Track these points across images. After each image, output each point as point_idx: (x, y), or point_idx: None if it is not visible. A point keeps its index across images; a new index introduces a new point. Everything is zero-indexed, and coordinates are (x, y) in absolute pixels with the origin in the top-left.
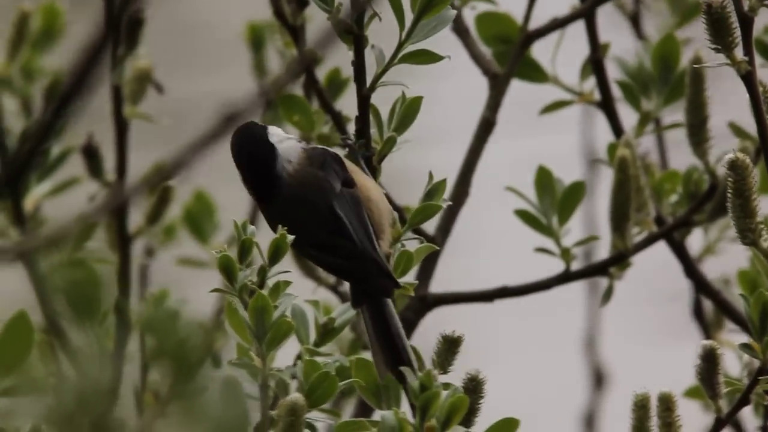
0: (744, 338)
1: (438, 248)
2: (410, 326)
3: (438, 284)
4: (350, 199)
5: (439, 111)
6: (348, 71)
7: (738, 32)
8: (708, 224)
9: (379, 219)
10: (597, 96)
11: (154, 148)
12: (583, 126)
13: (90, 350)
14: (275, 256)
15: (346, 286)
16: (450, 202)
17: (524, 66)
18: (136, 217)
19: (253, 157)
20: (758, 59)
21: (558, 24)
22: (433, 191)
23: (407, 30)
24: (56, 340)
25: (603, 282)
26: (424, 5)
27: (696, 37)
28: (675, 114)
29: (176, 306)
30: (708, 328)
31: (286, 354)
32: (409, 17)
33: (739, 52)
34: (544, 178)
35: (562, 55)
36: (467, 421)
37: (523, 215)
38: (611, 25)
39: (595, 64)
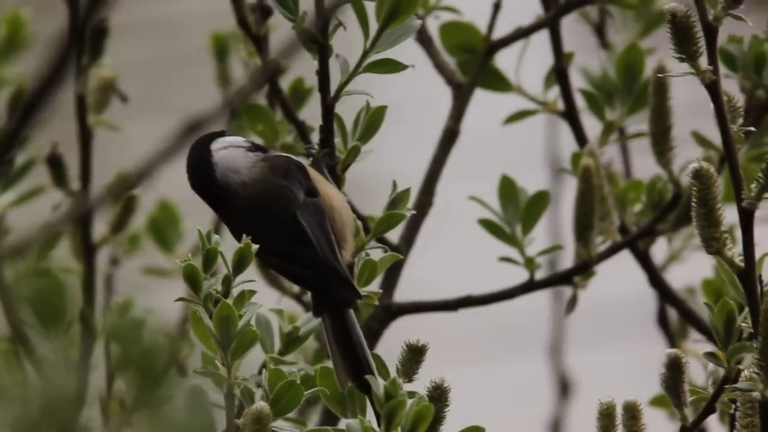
0: (709, 347)
1: (402, 257)
2: (374, 335)
3: (402, 293)
4: (313, 208)
5: (404, 119)
6: (312, 80)
7: (702, 42)
8: (672, 233)
9: (341, 228)
10: (561, 105)
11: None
12: (548, 135)
13: (55, 359)
14: (239, 265)
15: (309, 295)
16: (414, 211)
17: (488, 75)
18: (100, 227)
19: (191, 168)
20: (722, 69)
21: (522, 33)
22: (397, 200)
23: (372, 39)
24: (22, 349)
25: (567, 291)
26: (389, 14)
27: (660, 46)
28: (639, 123)
29: (142, 315)
30: (673, 337)
31: (251, 363)
32: (373, 27)
33: (703, 62)
34: (507, 188)
35: (526, 64)
36: (433, 429)
37: (487, 224)
38: (575, 34)
39: (559, 73)
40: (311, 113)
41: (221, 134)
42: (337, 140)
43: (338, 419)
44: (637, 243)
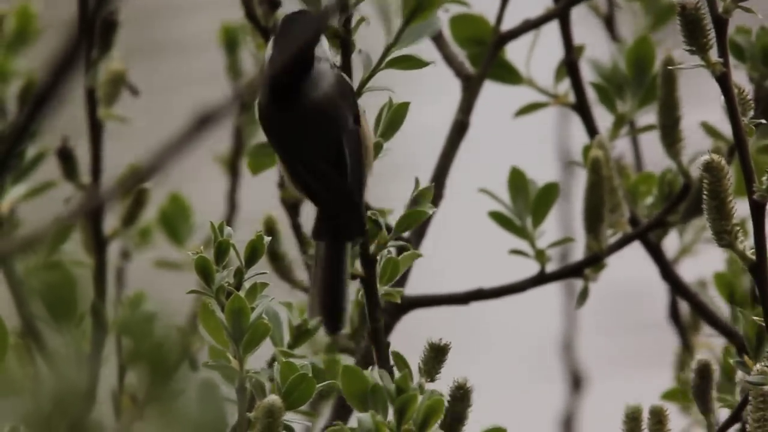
0: (721, 341)
1: (420, 254)
2: (386, 329)
3: (412, 287)
4: (356, 137)
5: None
6: None
7: (712, 34)
8: (683, 226)
9: (366, 167)
10: (572, 98)
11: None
12: (558, 128)
13: (67, 353)
14: (252, 258)
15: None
16: (436, 209)
17: (498, 68)
18: (111, 220)
19: (289, 64)
20: (732, 60)
21: (531, 25)
22: (419, 197)
23: (395, 34)
24: (33, 343)
25: (578, 283)
26: (413, 10)
27: (670, 38)
28: (651, 116)
29: (153, 308)
30: (684, 331)
31: (258, 356)
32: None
33: (713, 54)
34: (517, 180)
35: (536, 57)
36: (454, 429)
37: (497, 217)
38: (585, 26)
39: (569, 66)
40: None
41: (319, 35)
42: None
43: (350, 412)
44: (648, 235)
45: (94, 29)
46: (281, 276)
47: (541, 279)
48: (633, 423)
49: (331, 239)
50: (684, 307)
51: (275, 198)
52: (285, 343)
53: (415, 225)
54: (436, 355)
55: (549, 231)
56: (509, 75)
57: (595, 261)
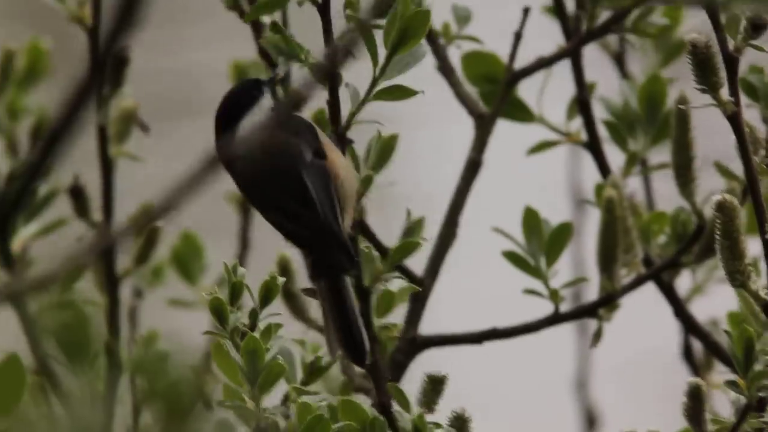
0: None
1: (421, 288)
2: (400, 368)
3: (427, 326)
4: (319, 170)
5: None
6: None
7: (723, 72)
8: (696, 265)
9: (344, 197)
10: (584, 136)
11: None
12: (570, 166)
13: (81, 392)
14: (266, 298)
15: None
16: (427, 239)
17: (510, 106)
18: (123, 259)
19: (229, 104)
20: (744, 98)
21: (544, 63)
22: (411, 229)
23: (381, 66)
24: (48, 383)
25: (592, 323)
26: (397, 41)
27: (681, 76)
28: (662, 154)
29: (167, 347)
30: (697, 370)
31: (271, 392)
32: (381, 53)
33: (724, 93)
34: (531, 220)
35: (548, 95)
36: None
37: (511, 257)
38: (595, 64)
39: (581, 103)
40: None
41: (261, 87)
42: None
43: None
44: (662, 275)
45: (105, 66)
46: (295, 315)
47: (555, 319)
48: None
49: (327, 276)
50: (697, 345)
51: None
52: (298, 379)
53: (410, 255)
54: (434, 386)
55: (561, 269)
56: (521, 113)
57: (609, 301)
